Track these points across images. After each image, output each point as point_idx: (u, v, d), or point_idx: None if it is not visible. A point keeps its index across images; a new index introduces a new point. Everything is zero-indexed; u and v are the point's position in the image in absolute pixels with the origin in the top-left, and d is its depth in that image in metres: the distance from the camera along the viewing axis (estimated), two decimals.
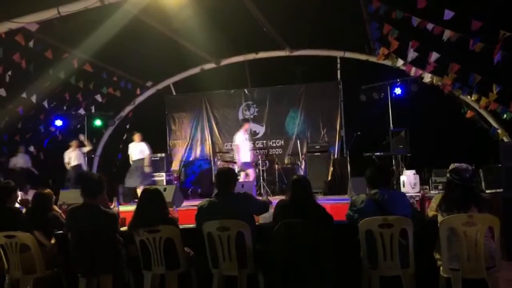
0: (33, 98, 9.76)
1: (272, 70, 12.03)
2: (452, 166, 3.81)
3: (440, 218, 3.69)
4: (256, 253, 3.88)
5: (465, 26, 7.06)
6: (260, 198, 6.71)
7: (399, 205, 3.77)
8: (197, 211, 4.13)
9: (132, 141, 9.88)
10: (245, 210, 4.02)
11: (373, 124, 10.60)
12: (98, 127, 12.28)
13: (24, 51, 8.39)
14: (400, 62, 9.22)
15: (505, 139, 9.43)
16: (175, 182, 10.81)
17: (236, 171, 8.89)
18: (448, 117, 10.16)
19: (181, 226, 4.26)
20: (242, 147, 9.53)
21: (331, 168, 10.41)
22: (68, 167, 10.30)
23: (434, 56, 8.13)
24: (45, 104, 10.56)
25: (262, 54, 11.56)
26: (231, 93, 12.62)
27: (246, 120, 10.55)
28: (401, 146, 9.51)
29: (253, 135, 12.21)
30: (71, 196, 6.12)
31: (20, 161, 10.77)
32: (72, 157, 10.33)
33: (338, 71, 11.73)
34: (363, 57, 10.75)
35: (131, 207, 6.24)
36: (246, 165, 9.51)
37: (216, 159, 11.87)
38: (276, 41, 10.37)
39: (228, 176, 4.21)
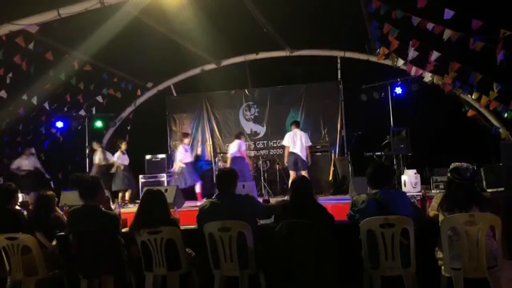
0: (34, 100, 9.77)
1: (273, 70, 12.03)
2: (453, 165, 3.81)
3: (441, 218, 3.69)
4: (258, 254, 3.88)
5: (465, 25, 7.06)
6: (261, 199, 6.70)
7: (400, 204, 3.76)
8: (199, 212, 4.13)
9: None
10: (247, 211, 4.01)
11: (374, 124, 10.60)
12: (99, 129, 12.27)
13: (25, 53, 8.40)
14: (400, 62, 9.22)
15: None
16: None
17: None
18: (449, 116, 10.16)
19: (182, 227, 4.26)
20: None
21: (332, 168, 10.41)
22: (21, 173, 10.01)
23: (435, 55, 8.12)
24: (46, 105, 10.56)
25: (262, 55, 11.58)
26: (232, 93, 12.62)
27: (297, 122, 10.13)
28: (402, 146, 9.50)
29: (253, 135, 12.23)
30: (72, 198, 6.13)
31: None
32: (24, 163, 10.08)
33: (339, 71, 11.73)
34: (363, 56, 10.76)
35: (132, 209, 6.25)
36: (306, 165, 9.43)
37: (217, 160, 11.87)
38: (276, 41, 10.38)
39: (229, 176, 4.21)
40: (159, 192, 4.22)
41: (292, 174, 9.42)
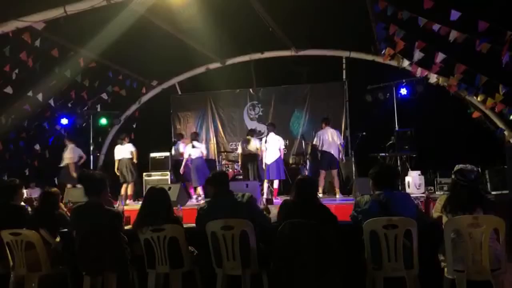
0: (39, 96, 9.81)
1: (278, 70, 12.05)
2: (457, 167, 3.79)
3: (445, 219, 3.68)
4: (260, 253, 3.88)
5: (472, 26, 7.03)
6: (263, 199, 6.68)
7: (404, 206, 3.75)
8: (197, 214, 4.12)
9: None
10: (247, 211, 3.98)
11: (379, 125, 10.57)
12: (104, 126, 12.30)
13: (31, 50, 8.44)
14: (406, 63, 9.20)
15: None
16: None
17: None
18: (454, 118, 10.12)
19: (185, 225, 4.27)
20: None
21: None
22: None
23: (440, 56, 8.09)
24: (51, 102, 10.60)
25: (267, 54, 11.58)
26: (236, 92, 12.64)
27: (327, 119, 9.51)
28: (407, 147, 9.47)
29: (258, 134, 12.21)
30: (76, 194, 6.15)
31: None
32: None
33: (344, 71, 11.72)
34: (369, 57, 10.74)
35: (136, 206, 6.27)
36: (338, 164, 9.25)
37: (220, 159, 11.88)
38: (281, 41, 10.37)
39: (222, 177, 4.25)
40: (163, 190, 4.23)
41: (323, 173, 9.07)
